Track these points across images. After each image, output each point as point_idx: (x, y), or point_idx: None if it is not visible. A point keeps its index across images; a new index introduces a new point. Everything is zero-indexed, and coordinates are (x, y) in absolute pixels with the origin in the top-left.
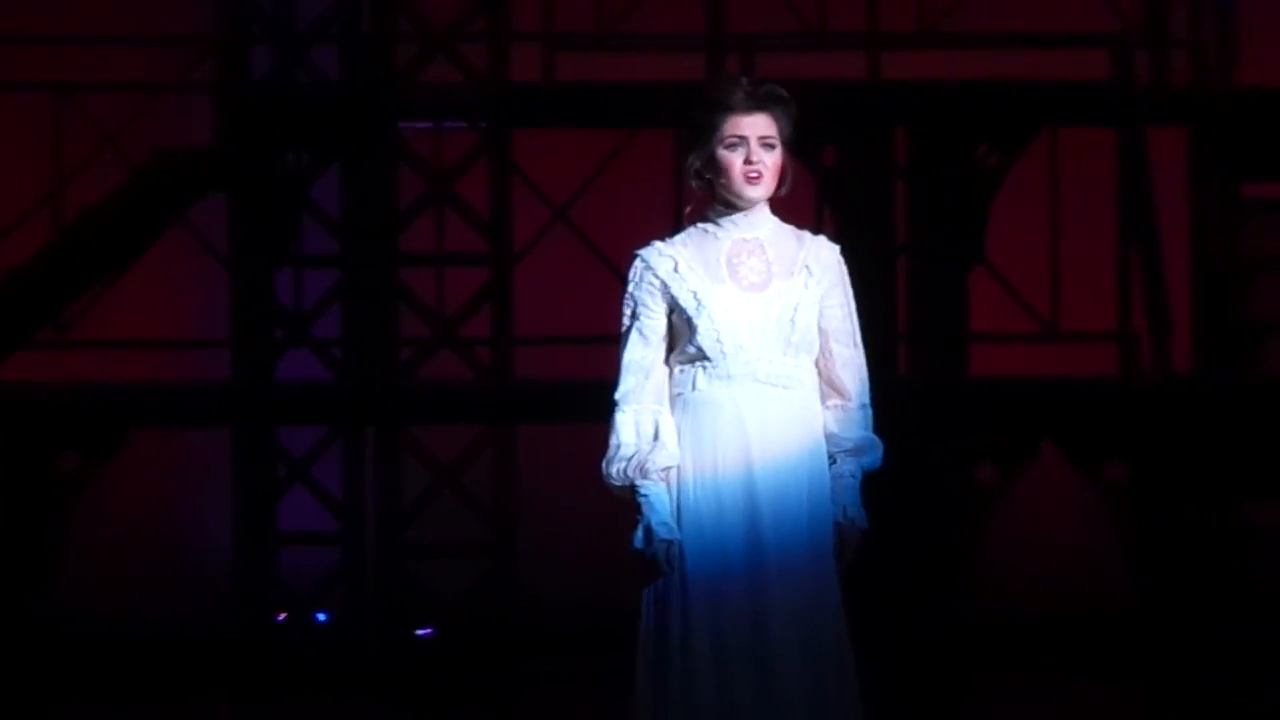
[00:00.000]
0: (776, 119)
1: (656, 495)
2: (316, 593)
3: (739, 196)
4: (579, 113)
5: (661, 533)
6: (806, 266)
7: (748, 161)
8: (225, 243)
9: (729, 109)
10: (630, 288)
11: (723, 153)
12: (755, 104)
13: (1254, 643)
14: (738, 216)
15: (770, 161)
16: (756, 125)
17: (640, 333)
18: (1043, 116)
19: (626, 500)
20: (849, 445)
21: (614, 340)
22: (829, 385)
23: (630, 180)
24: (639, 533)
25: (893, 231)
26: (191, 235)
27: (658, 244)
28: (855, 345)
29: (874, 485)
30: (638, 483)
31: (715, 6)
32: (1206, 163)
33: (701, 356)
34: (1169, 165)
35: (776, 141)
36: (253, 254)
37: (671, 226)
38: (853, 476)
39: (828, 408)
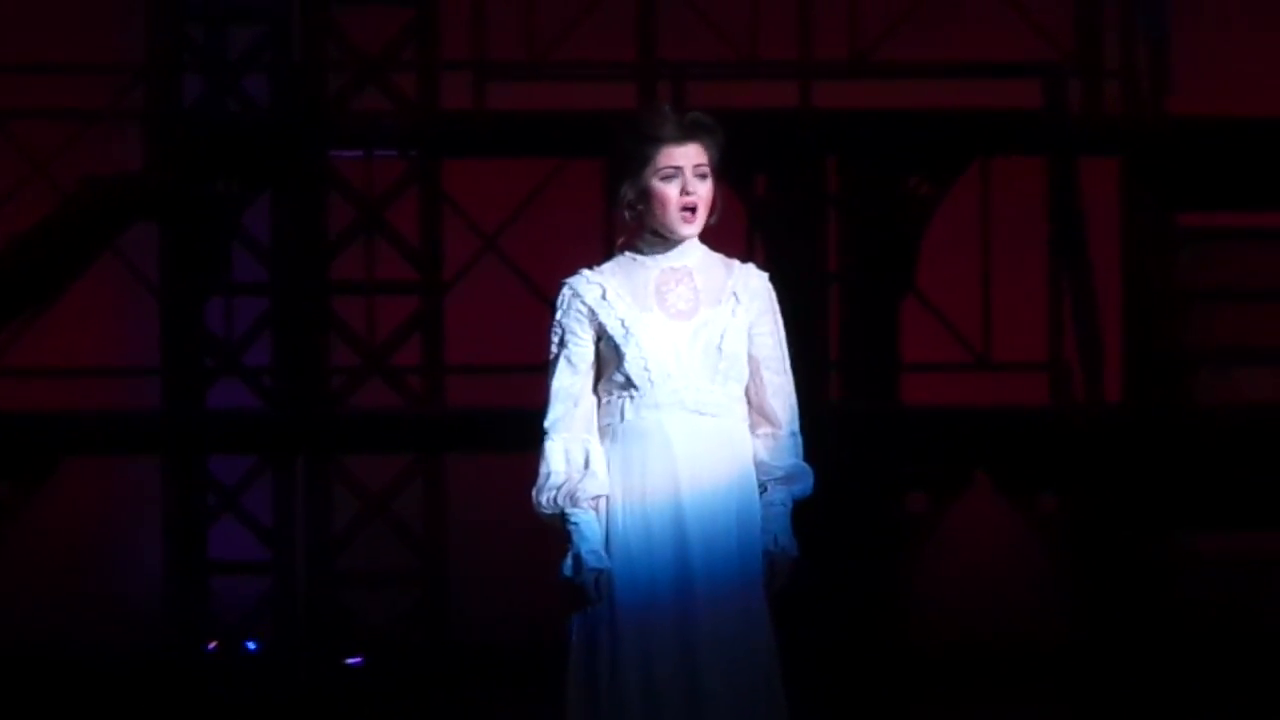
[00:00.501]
0: (707, 148)
1: (586, 524)
2: (247, 621)
3: (673, 231)
4: (509, 141)
5: (591, 561)
6: (734, 294)
7: (684, 192)
8: (156, 271)
9: (661, 140)
10: (558, 315)
11: (657, 184)
12: (686, 134)
13: (1186, 672)
14: (666, 245)
15: (704, 192)
16: (689, 155)
17: (568, 360)
18: (974, 146)
19: (556, 529)
20: (779, 474)
21: (544, 369)
22: (759, 413)
23: (561, 209)
24: (568, 561)
25: (824, 260)
26: (122, 263)
27: (586, 272)
28: (785, 373)
29: (805, 514)
30: (568, 511)
31: (646, 35)
32: (1139, 192)
33: (629, 385)
34: (1101, 195)
35: (709, 170)
36: (183, 282)
37: (602, 255)
38: (783, 505)
39: (758, 436)
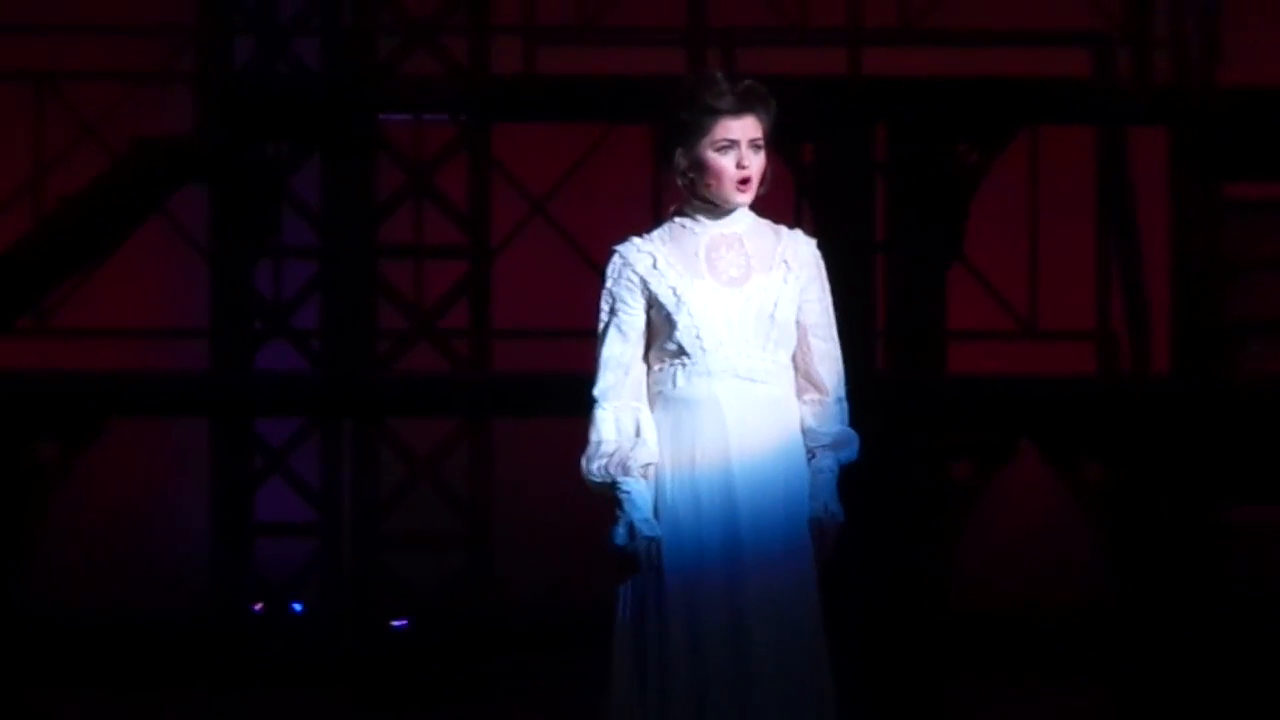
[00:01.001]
0: (761, 119)
1: (638, 492)
2: (293, 583)
3: (729, 201)
4: (559, 106)
5: (644, 530)
6: (785, 261)
7: (740, 165)
8: (205, 233)
9: (718, 111)
10: (609, 284)
11: (713, 155)
12: (742, 106)
13: (1229, 643)
14: (716, 211)
15: (758, 165)
16: (746, 128)
17: (619, 329)
18: (1023, 114)
19: (607, 497)
20: (826, 440)
21: (591, 334)
22: (806, 379)
23: (609, 174)
24: (620, 529)
25: (872, 228)
26: (171, 225)
27: (636, 240)
28: (832, 340)
29: (851, 480)
30: (619, 479)
31: (696, 1)
32: (1188, 162)
33: (681, 353)
34: (1150, 164)
35: (763, 142)
36: (232, 244)
37: (650, 220)
38: (830, 471)
39: (804, 402)
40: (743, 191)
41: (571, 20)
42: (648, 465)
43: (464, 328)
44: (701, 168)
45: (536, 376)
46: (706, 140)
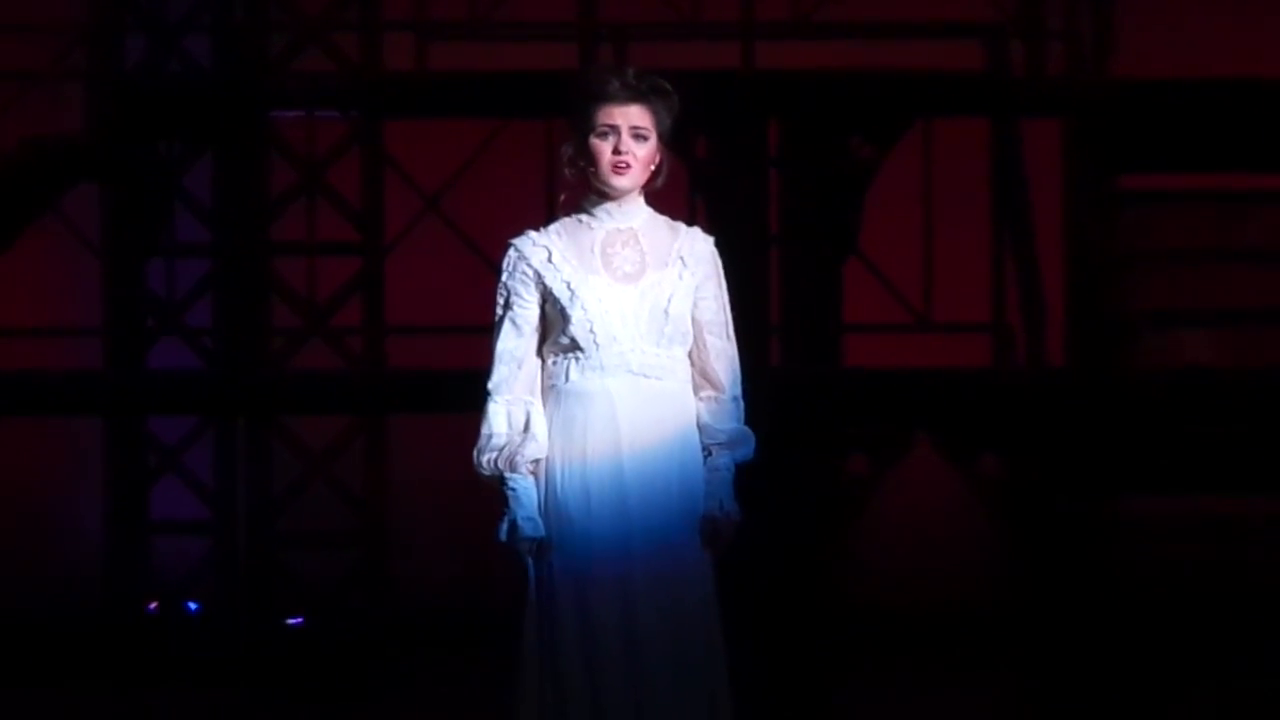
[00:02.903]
0: (655, 111)
1: (524, 489)
2: (188, 581)
3: (606, 185)
4: (451, 102)
5: (526, 529)
6: (681, 258)
7: (616, 151)
8: (97, 231)
9: (602, 98)
10: (504, 277)
11: (594, 140)
12: (631, 95)
13: (1126, 635)
14: (611, 206)
15: (640, 153)
16: (629, 115)
17: (513, 322)
18: (917, 107)
19: (496, 490)
20: (722, 438)
21: (485, 330)
22: (702, 377)
23: (502, 170)
24: (503, 525)
25: (766, 222)
26: (64, 223)
27: (531, 233)
28: (729, 337)
29: (747, 474)
30: (506, 475)
31: None
32: (1081, 155)
33: (574, 347)
34: (1044, 157)
35: (651, 133)
36: (125, 242)
37: (544, 217)
38: (726, 469)
39: (700, 399)
40: (619, 173)
41: (463, 16)
42: (536, 461)
43: (357, 325)
44: (586, 153)
45: (430, 373)
46: (589, 125)
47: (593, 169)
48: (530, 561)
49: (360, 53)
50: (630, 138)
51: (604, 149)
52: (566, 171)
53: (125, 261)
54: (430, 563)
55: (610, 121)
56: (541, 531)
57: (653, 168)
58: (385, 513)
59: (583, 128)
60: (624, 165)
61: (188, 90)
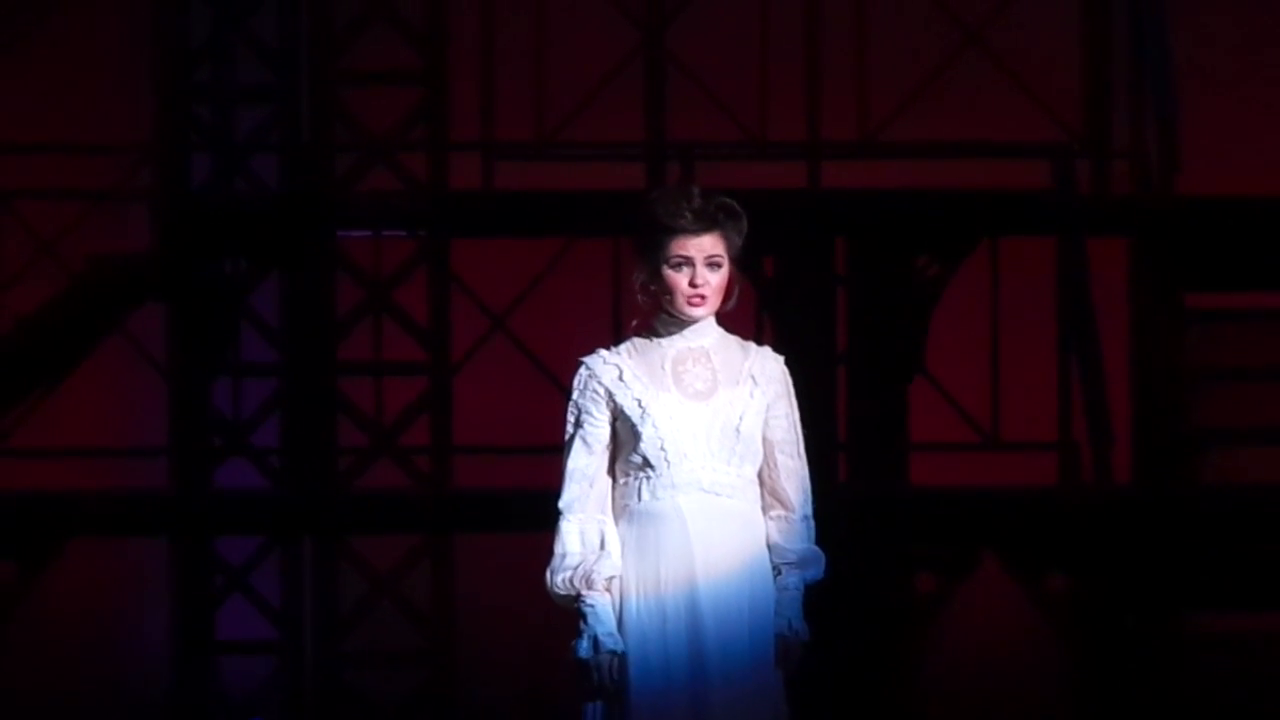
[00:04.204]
0: (725, 236)
1: (602, 606)
2: (254, 701)
3: (683, 315)
4: (518, 221)
5: (608, 644)
6: (752, 376)
7: (692, 284)
8: (163, 351)
9: (674, 230)
10: (575, 395)
11: (668, 272)
12: (702, 224)
13: None
14: (683, 326)
15: (715, 281)
16: (703, 246)
17: (584, 440)
18: (983, 226)
19: (570, 610)
20: (793, 558)
21: (551, 450)
22: (772, 496)
23: (569, 289)
24: (583, 642)
25: (833, 341)
26: (129, 343)
27: (602, 352)
28: (799, 456)
29: (816, 595)
30: (583, 593)
31: (655, 115)
32: (1147, 272)
33: (646, 465)
34: (1110, 275)
35: (724, 260)
36: (191, 362)
37: (610, 336)
38: (796, 589)
39: (770, 518)
40: (695, 305)
41: (529, 136)
42: (611, 578)
43: (425, 444)
44: (660, 282)
45: (498, 493)
46: (663, 256)
47: (668, 298)
48: (606, 681)
49: (427, 172)
50: (705, 267)
51: (680, 281)
52: (640, 299)
53: (191, 381)
54: (496, 683)
55: (684, 253)
56: (621, 647)
57: (725, 292)
58: (452, 633)
59: (654, 257)
60: (700, 299)
61: (254, 209)
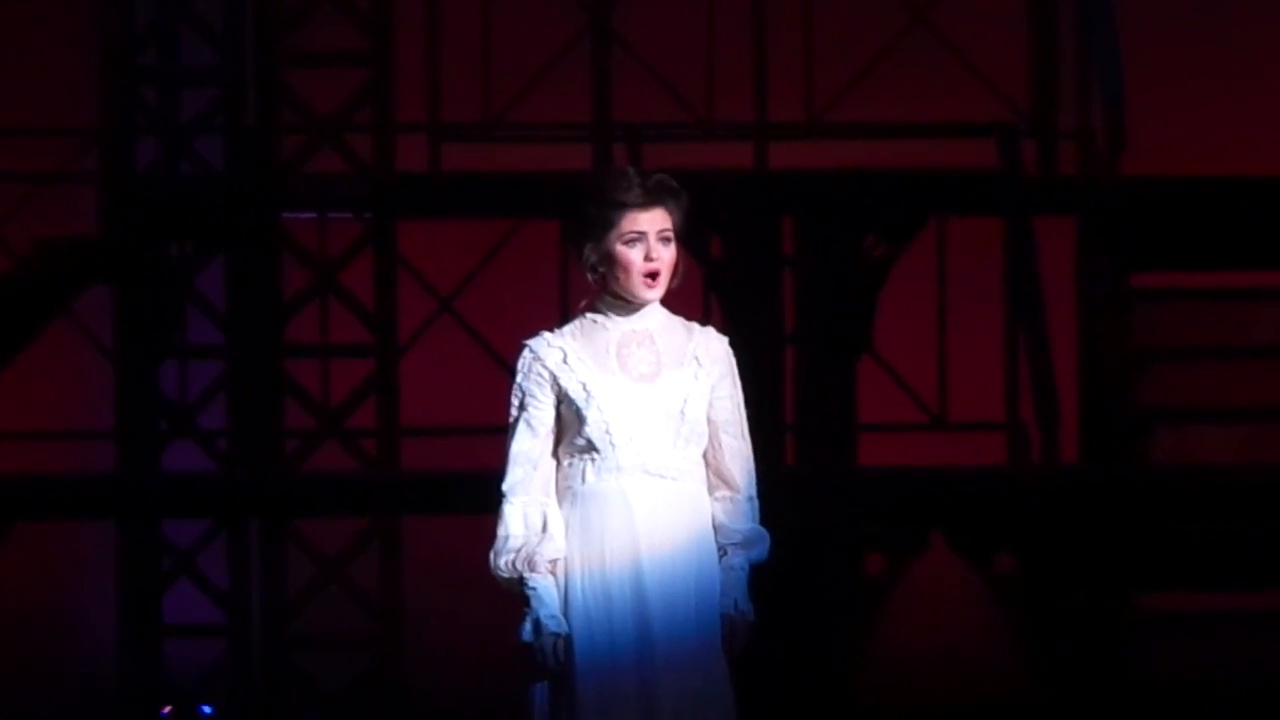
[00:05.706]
0: (671, 212)
1: (545, 588)
2: (202, 685)
3: (635, 296)
4: (464, 203)
5: (550, 626)
6: (696, 358)
7: (647, 258)
8: (109, 333)
9: (625, 205)
10: (518, 378)
11: (621, 249)
12: (650, 199)
13: None
14: (627, 308)
15: (667, 257)
16: (654, 220)
17: (528, 424)
18: (930, 206)
19: (514, 592)
20: (738, 538)
21: (500, 431)
22: (717, 476)
23: (516, 271)
24: (527, 625)
25: (780, 322)
26: (75, 326)
27: (546, 334)
28: (743, 437)
29: (762, 576)
30: (525, 575)
31: (602, 97)
32: (1094, 252)
33: (590, 448)
34: (1057, 254)
35: (673, 235)
36: (137, 345)
37: (558, 317)
38: (741, 569)
39: (716, 499)
40: (650, 287)
41: (476, 117)
42: (554, 560)
43: (371, 427)
44: (610, 261)
45: (445, 474)
46: (614, 233)
47: (620, 277)
48: (551, 663)
49: (373, 154)
50: (658, 242)
51: (634, 258)
52: (589, 277)
53: (137, 364)
54: (445, 665)
55: (637, 228)
56: (565, 629)
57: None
58: (400, 616)
59: (603, 236)
60: (654, 275)
61: (200, 192)
